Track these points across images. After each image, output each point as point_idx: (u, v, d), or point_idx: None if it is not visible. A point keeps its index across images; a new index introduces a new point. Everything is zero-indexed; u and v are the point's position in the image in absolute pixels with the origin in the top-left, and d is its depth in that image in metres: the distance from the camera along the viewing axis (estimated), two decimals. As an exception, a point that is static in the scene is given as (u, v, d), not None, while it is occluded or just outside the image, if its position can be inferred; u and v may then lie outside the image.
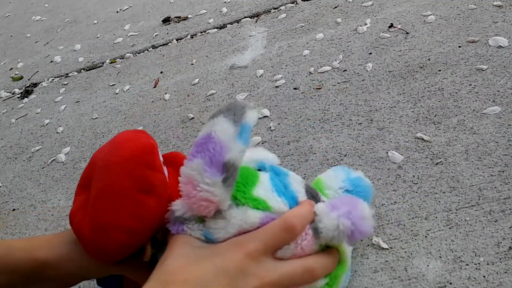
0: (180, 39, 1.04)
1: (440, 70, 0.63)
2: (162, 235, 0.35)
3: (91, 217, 0.33)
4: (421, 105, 0.58)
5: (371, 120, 0.58)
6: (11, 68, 1.22)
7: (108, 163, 0.34)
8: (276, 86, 0.73)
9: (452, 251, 0.40)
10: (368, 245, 0.43)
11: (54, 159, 0.76)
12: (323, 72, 0.72)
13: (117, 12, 1.37)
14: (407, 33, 0.74)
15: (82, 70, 1.07)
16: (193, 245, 0.32)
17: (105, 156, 0.34)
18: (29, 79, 1.11)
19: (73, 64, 1.11)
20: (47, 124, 0.88)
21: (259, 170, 0.36)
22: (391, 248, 0.42)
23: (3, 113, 1.00)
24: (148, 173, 0.33)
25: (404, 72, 0.65)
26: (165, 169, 0.36)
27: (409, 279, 0.39)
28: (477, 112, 0.54)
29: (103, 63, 1.06)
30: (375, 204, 0.47)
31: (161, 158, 0.36)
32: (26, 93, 1.04)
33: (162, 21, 1.16)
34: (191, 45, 0.99)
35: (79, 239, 0.34)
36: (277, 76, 0.75)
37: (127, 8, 1.37)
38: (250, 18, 1.01)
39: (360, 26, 0.80)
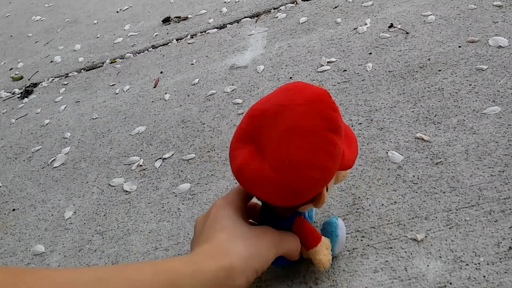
0: (180, 39, 1.04)
1: (440, 70, 0.63)
2: None
3: (277, 158, 0.33)
4: (421, 105, 0.58)
5: (371, 120, 0.58)
6: (11, 68, 1.22)
7: (292, 105, 0.34)
8: (276, 86, 0.73)
9: (452, 251, 0.40)
10: (368, 245, 0.43)
11: (54, 159, 0.76)
12: (323, 72, 0.72)
13: (117, 12, 1.37)
14: (407, 33, 0.74)
15: (82, 70, 1.07)
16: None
17: (283, 101, 0.35)
18: (29, 79, 1.11)
19: (73, 64, 1.11)
20: (47, 124, 0.88)
21: None
22: (391, 248, 0.42)
23: (3, 113, 1.00)
24: (333, 114, 0.34)
25: (404, 72, 0.65)
26: None
27: (409, 279, 0.39)
28: (477, 112, 0.54)
29: (103, 63, 1.06)
30: (375, 205, 0.47)
31: None
32: (26, 93, 1.04)
33: (162, 21, 1.17)
34: (191, 45, 0.99)
35: (259, 186, 0.34)
36: (277, 76, 0.75)
37: (127, 8, 1.37)
38: (250, 18, 1.01)
39: (360, 26, 0.80)
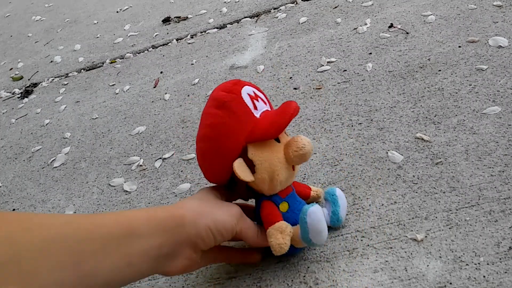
0: (180, 39, 1.04)
1: (440, 70, 0.63)
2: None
3: None
4: (421, 105, 0.58)
5: (371, 120, 0.58)
6: (11, 68, 1.22)
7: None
8: (276, 86, 0.73)
9: (452, 251, 0.40)
10: (368, 245, 0.43)
11: (54, 159, 0.76)
12: (323, 72, 0.72)
13: (117, 12, 1.37)
14: (407, 33, 0.74)
15: (82, 70, 1.07)
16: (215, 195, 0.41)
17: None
18: (29, 79, 1.11)
19: (73, 64, 1.11)
20: (47, 124, 0.88)
21: None
22: (391, 248, 0.42)
23: (3, 113, 1.00)
24: (222, 94, 0.39)
25: (404, 72, 0.65)
26: (261, 104, 0.41)
27: (409, 279, 0.39)
28: (477, 112, 0.54)
29: (103, 63, 1.06)
30: (375, 205, 0.47)
31: (261, 95, 0.42)
32: (26, 93, 1.04)
33: (162, 21, 1.17)
34: (191, 45, 0.99)
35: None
36: (277, 76, 0.75)
37: (127, 8, 1.37)
38: (250, 18, 1.01)
39: (360, 26, 0.80)
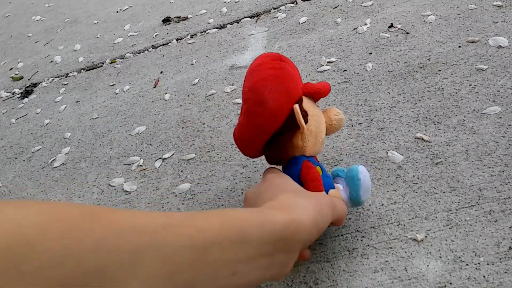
0: (180, 39, 1.04)
1: (440, 70, 0.63)
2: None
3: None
4: (421, 105, 0.58)
5: (371, 120, 0.58)
6: (11, 68, 1.22)
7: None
8: (276, 86, 0.73)
9: (452, 251, 0.40)
10: (368, 245, 0.43)
11: (54, 159, 0.76)
12: (323, 72, 0.72)
13: (117, 12, 1.37)
14: (407, 33, 0.74)
15: (82, 70, 1.07)
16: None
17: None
18: (29, 79, 1.11)
19: (73, 64, 1.11)
20: (47, 124, 0.88)
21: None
22: (391, 248, 0.42)
23: (3, 113, 1.00)
24: (275, 61, 0.43)
25: (404, 72, 0.65)
26: None
27: (409, 279, 0.39)
28: (477, 112, 0.54)
29: (103, 63, 1.06)
30: (375, 205, 0.47)
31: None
32: (26, 93, 1.04)
33: (162, 21, 1.17)
34: (191, 45, 0.99)
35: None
36: (277, 76, 0.75)
37: (127, 8, 1.37)
38: (250, 18, 1.01)
39: (360, 26, 0.80)
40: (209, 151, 0.64)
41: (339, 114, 0.45)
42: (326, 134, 0.45)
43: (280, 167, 0.46)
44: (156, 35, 1.10)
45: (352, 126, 0.58)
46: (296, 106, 0.40)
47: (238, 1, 1.11)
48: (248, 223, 0.29)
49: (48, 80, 1.08)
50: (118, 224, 0.24)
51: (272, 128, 0.41)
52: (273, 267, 0.31)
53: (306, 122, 0.41)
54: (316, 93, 0.44)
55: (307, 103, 0.42)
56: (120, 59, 1.06)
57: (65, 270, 0.20)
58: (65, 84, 1.02)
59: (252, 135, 0.42)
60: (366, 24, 0.80)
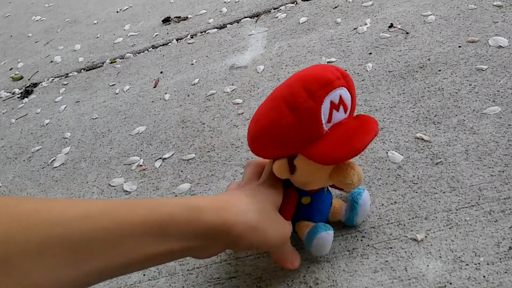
0: (180, 39, 1.04)
1: (440, 70, 0.63)
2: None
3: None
4: (421, 105, 0.58)
5: (371, 120, 0.58)
6: (11, 68, 1.22)
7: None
8: (276, 86, 0.73)
9: (452, 251, 0.40)
10: (368, 245, 0.43)
11: (54, 159, 0.76)
12: (323, 72, 0.72)
13: (117, 12, 1.37)
14: (407, 33, 0.74)
15: (82, 70, 1.07)
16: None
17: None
18: (29, 79, 1.11)
19: (73, 64, 1.11)
20: (47, 124, 0.88)
21: None
22: (391, 248, 0.42)
23: (3, 113, 1.00)
24: (302, 94, 0.34)
25: (404, 72, 0.65)
26: (339, 114, 0.36)
27: (409, 279, 0.39)
28: (477, 112, 0.54)
29: (103, 63, 1.06)
30: (375, 205, 0.47)
31: (347, 100, 0.36)
32: (26, 93, 1.04)
33: (162, 21, 1.17)
34: (191, 45, 0.99)
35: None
36: (277, 76, 0.75)
37: (127, 8, 1.37)
38: (250, 18, 1.01)
39: (360, 26, 0.80)
40: (209, 151, 0.64)
41: (346, 185, 0.37)
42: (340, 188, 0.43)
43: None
44: (156, 35, 1.10)
45: (352, 126, 0.58)
46: (275, 165, 0.38)
47: (238, 1, 1.11)
48: (174, 220, 0.30)
49: (48, 80, 1.08)
50: (30, 216, 0.25)
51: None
52: (194, 253, 0.32)
53: (292, 172, 0.39)
54: (315, 161, 0.35)
55: (303, 162, 0.37)
56: (120, 59, 1.06)
57: None
58: (65, 84, 1.02)
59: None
60: (366, 24, 0.80)
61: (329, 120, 0.35)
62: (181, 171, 0.62)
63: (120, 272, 0.28)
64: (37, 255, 0.24)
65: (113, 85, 0.94)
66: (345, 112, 0.36)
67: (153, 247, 0.29)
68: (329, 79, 0.34)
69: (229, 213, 0.32)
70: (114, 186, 0.64)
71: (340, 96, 0.35)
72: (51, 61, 1.17)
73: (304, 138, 0.35)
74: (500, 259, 0.38)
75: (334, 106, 0.35)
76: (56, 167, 0.74)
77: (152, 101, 0.82)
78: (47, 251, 0.24)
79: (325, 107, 0.35)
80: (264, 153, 0.39)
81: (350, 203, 0.43)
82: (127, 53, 1.06)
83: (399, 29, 0.76)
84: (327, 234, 0.40)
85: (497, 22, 0.68)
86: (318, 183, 0.40)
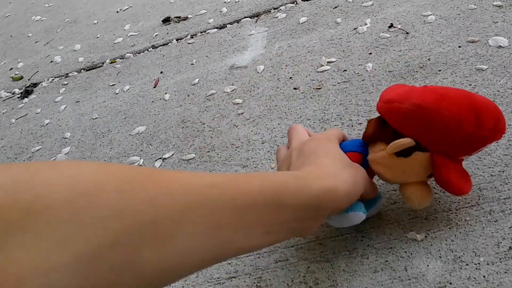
0: (180, 39, 1.04)
1: (440, 70, 0.63)
2: None
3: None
4: (421, 105, 0.58)
5: (371, 120, 0.58)
6: (11, 68, 1.22)
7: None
8: (276, 86, 0.73)
9: (452, 251, 0.40)
10: (368, 245, 0.43)
11: (54, 159, 0.76)
12: (323, 72, 0.72)
13: (117, 12, 1.37)
14: (407, 33, 0.74)
15: (82, 70, 1.07)
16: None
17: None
18: (29, 79, 1.11)
19: (73, 64, 1.11)
20: (47, 124, 0.88)
21: None
22: (391, 248, 0.42)
23: (3, 113, 1.00)
24: (491, 123, 0.37)
25: (404, 72, 0.65)
26: None
27: (409, 279, 0.39)
28: (477, 112, 0.54)
29: (103, 63, 1.06)
30: (375, 204, 0.47)
31: None
32: (26, 93, 1.04)
33: (162, 21, 1.17)
34: (191, 45, 0.99)
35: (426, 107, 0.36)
36: (277, 76, 0.75)
37: (127, 8, 1.37)
38: (250, 18, 1.01)
39: (360, 26, 0.80)
40: (209, 151, 0.64)
41: (418, 198, 0.39)
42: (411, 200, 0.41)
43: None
44: (156, 35, 1.10)
45: (352, 126, 0.58)
46: (408, 140, 0.36)
47: (238, 1, 1.11)
48: (286, 189, 0.31)
49: (48, 80, 1.08)
50: (169, 182, 0.26)
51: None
52: (299, 230, 0.33)
53: (397, 155, 0.38)
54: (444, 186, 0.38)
55: (424, 161, 0.38)
56: (120, 59, 1.06)
57: (122, 222, 0.22)
58: (65, 84, 1.02)
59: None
60: (366, 24, 0.80)
61: (470, 155, 0.38)
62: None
63: (241, 245, 0.29)
64: (179, 220, 0.24)
65: (113, 85, 0.94)
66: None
67: (272, 216, 0.30)
68: (504, 132, 0.38)
69: (329, 178, 0.34)
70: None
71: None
72: (51, 61, 1.17)
73: (450, 149, 0.37)
74: (500, 259, 0.38)
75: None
76: (56, 167, 0.73)
77: (152, 101, 0.82)
78: (187, 217, 0.25)
79: (486, 147, 0.37)
80: (403, 121, 0.37)
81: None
82: (127, 53, 1.06)
83: (399, 29, 0.76)
84: (361, 215, 0.39)
85: (497, 22, 0.68)
86: (396, 179, 0.40)
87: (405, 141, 0.36)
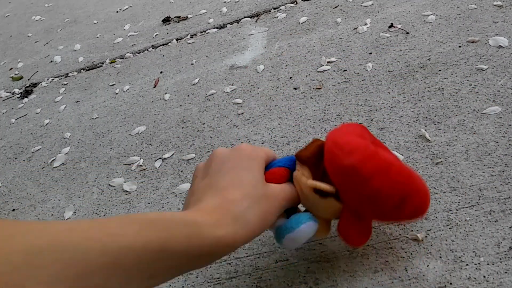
0: (180, 39, 1.04)
1: (440, 70, 0.63)
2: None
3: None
4: (421, 105, 0.58)
5: (371, 120, 0.58)
6: (11, 68, 1.22)
7: None
8: (276, 86, 0.73)
9: (452, 251, 0.40)
10: (368, 245, 0.43)
11: (54, 159, 0.76)
12: (323, 72, 0.72)
13: (117, 12, 1.37)
14: (407, 33, 0.74)
15: (82, 70, 1.07)
16: None
17: None
18: (29, 79, 1.11)
19: (73, 64, 1.11)
20: (47, 124, 0.88)
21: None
22: (391, 248, 0.42)
23: (3, 113, 1.00)
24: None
25: (404, 72, 0.65)
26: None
27: (409, 279, 0.39)
28: (477, 112, 0.54)
29: (103, 63, 1.06)
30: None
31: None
32: (26, 93, 1.04)
33: (162, 21, 1.16)
34: (191, 45, 0.98)
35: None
36: (277, 76, 0.75)
37: (127, 8, 1.37)
38: (250, 18, 1.01)
39: (360, 26, 0.80)
40: (209, 151, 0.64)
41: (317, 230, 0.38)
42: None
43: None
44: (156, 35, 1.10)
45: (352, 126, 0.58)
46: (328, 188, 0.36)
47: (238, 1, 1.11)
48: (172, 237, 0.28)
49: (48, 80, 1.08)
50: (8, 228, 0.22)
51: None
52: (193, 267, 0.31)
53: (315, 192, 0.37)
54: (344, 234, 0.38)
55: (335, 208, 0.37)
56: (120, 59, 1.05)
57: None
58: (65, 84, 1.02)
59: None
60: (366, 24, 0.80)
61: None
62: (181, 171, 0.62)
63: None
64: (25, 267, 0.21)
65: (113, 85, 0.94)
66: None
67: (155, 262, 0.27)
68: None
69: (226, 224, 0.31)
70: (114, 186, 0.64)
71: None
72: (51, 61, 1.17)
73: (366, 212, 0.37)
74: (500, 259, 0.38)
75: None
76: (56, 167, 0.74)
77: (152, 101, 0.82)
78: (36, 262, 0.21)
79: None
80: (339, 175, 0.35)
81: (290, 221, 0.38)
82: (127, 53, 1.06)
83: (399, 29, 0.76)
84: (314, 225, 0.37)
85: (497, 22, 0.68)
86: (317, 214, 0.38)
87: (326, 188, 0.36)
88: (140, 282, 0.27)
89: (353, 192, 0.35)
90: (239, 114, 0.69)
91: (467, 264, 0.38)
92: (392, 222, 0.41)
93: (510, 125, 0.50)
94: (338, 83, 0.68)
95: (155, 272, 0.27)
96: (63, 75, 1.08)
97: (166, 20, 1.16)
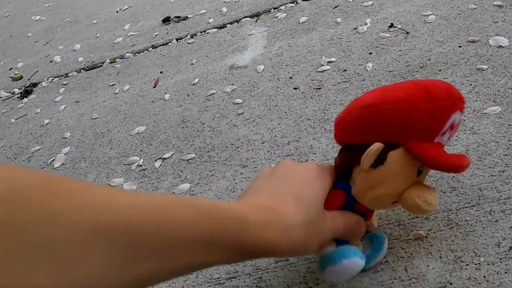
0: (180, 39, 1.04)
1: (440, 70, 0.63)
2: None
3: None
4: (421, 105, 0.58)
5: (371, 120, 0.58)
6: (11, 68, 1.22)
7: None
8: (276, 86, 0.73)
9: (452, 251, 0.40)
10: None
11: (54, 159, 0.75)
12: (323, 72, 0.72)
13: (117, 12, 1.37)
14: (407, 33, 0.74)
15: (82, 70, 1.07)
16: None
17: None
18: (28, 79, 1.11)
19: (73, 64, 1.11)
20: (47, 124, 0.88)
21: None
22: (391, 248, 0.42)
23: (3, 113, 0.99)
24: (443, 92, 0.34)
25: (404, 72, 0.65)
26: (446, 136, 0.35)
27: (409, 279, 0.39)
28: (477, 112, 0.54)
29: (103, 63, 1.06)
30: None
31: (455, 128, 0.36)
32: (26, 93, 1.04)
33: (162, 21, 1.16)
34: (191, 45, 0.98)
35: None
36: (277, 76, 0.75)
37: (127, 8, 1.37)
38: (250, 18, 1.01)
39: (360, 26, 0.80)
40: (209, 151, 0.64)
41: (416, 205, 0.34)
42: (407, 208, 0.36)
43: None
44: (156, 35, 1.10)
45: (352, 126, 0.58)
46: (376, 145, 0.33)
47: (238, 1, 1.11)
48: (223, 229, 0.27)
49: (47, 80, 1.08)
50: (76, 196, 0.21)
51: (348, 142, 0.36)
52: (228, 262, 0.30)
53: (375, 166, 0.34)
54: (423, 156, 0.32)
55: (400, 156, 0.33)
56: (120, 59, 1.05)
57: (10, 240, 0.18)
58: (64, 84, 1.02)
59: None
60: (366, 24, 0.80)
61: (442, 133, 0.34)
62: (181, 171, 0.62)
63: (161, 280, 0.25)
64: (85, 244, 0.20)
65: (113, 85, 0.94)
66: (448, 139, 0.36)
67: (202, 255, 0.26)
68: (463, 100, 0.35)
69: (274, 230, 0.30)
70: (114, 186, 0.64)
71: (457, 121, 0.35)
72: (51, 61, 1.17)
73: (417, 133, 0.33)
74: (500, 259, 0.38)
75: (451, 126, 0.34)
76: (56, 167, 0.73)
77: (152, 101, 0.82)
78: (96, 241, 0.21)
79: (451, 119, 0.34)
80: (359, 130, 0.34)
81: (374, 244, 0.39)
82: (127, 53, 1.06)
83: (399, 29, 0.76)
84: (359, 261, 0.35)
85: (497, 22, 0.68)
86: (388, 193, 0.35)
87: (374, 147, 0.33)
88: (179, 274, 0.27)
89: (390, 127, 0.33)
90: (239, 114, 0.69)
91: (467, 264, 0.38)
92: (448, 122, 0.34)
93: (510, 125, 0.50)
94: (338, 83, 0.68)
95: (199, 266, 0.27)
96: (63, 75, 1.08)
97: (166, 20, 1.16)
